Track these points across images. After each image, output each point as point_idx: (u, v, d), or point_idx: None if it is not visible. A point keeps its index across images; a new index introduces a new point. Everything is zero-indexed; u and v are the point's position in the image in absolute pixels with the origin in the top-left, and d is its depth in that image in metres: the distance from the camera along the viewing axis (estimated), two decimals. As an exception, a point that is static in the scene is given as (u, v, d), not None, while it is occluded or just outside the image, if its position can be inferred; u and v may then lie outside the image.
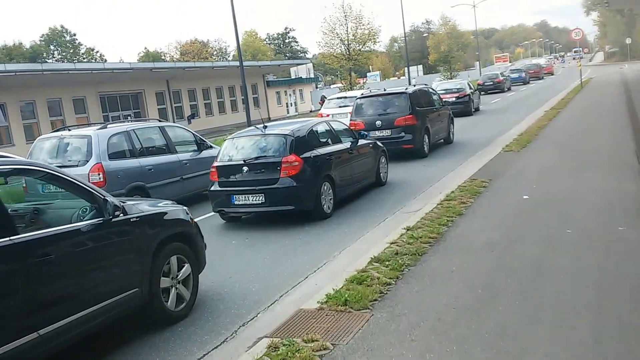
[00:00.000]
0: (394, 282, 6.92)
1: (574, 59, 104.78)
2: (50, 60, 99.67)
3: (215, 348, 6.08)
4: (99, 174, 11.99)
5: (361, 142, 13.63)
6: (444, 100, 23.44)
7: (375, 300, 6.41)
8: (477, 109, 34.00)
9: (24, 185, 11.06)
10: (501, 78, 51.91)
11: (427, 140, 18.55)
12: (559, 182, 11.84)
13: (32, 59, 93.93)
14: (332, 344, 5.47)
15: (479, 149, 18.33)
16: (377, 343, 5.43)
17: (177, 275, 6.92)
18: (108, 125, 13.33)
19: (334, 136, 12.89)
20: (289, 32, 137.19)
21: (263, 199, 11.03)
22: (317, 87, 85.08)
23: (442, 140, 20.77)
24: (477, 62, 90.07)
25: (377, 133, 17.71)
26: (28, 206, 6.62)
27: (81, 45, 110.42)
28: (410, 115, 17.86)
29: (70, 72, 39.16)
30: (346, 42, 50.86)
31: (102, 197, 6.08)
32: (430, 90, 21.88)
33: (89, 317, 5.67)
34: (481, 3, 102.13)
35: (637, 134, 16.65)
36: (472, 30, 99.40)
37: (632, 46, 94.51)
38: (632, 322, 5.32)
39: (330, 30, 50.95)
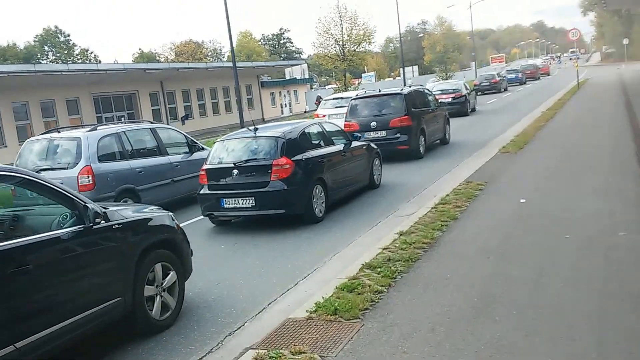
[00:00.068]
0: (385, 290, 6.68)
1: (570, 59, 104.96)
2: (45, 61, 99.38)
3: (200, 359, 5.85)
4: (88, 177, 11.86)
5: (354, 144, 13.44)
6: (440, 100, 23.34)
7: (366, 309, 6.17)
8: (473, 110, 33.98)
9: (12, 189, 10.84)
10: (498, 78, 51.90)
11: (422, 141, 18.40)
12: (557, 185, 11.62)
13: (26, 59, 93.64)
14: (320, 356, 5.24)
15: (475, 150, 18.14)
16: (367, 355, 5.20)
17: (162, 283, 6.70)
18: (98, 127, 13.20)
19: (326, 138, 12.67)
20: (284, 33, 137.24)
21: (253, 202, 10.80)
22: (311, 88, 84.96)
23: (438, 141, 20.62)
24: (473, 63, 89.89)
25: (372, 134, 17.59)
26: (6, 213, 6.37)
27: (75, 46, 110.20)
28: (406, 116, 17.69)
29: (63, 73, 39.00)
30: (341, 42, 50.71)
31: (83, 204, 5.85)
32: (426, 91, 21.75)
33: (69, 328, 5.44)
34: (478, 3, 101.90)
35: (637, 135, 16.44)
36: (468, 31, 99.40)
37: (629, 47, 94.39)
38: (636, 334, 5.08)
39: (325, 31, 50.91)
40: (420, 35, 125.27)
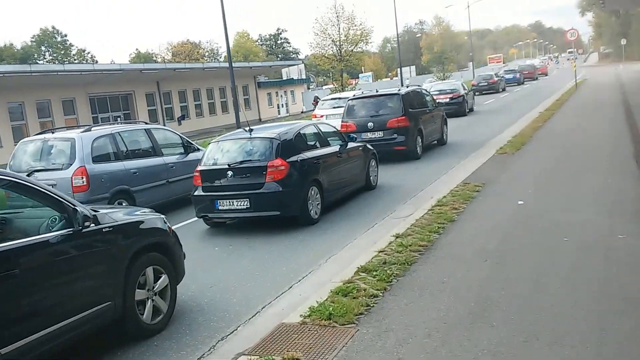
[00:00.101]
0: (381, 294, 6.55)
1: (568, 59, 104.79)
2: (41, 62, 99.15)
3: (191, 365, 5.75)
4: (82, 178, 11.77)
5: (350, 145, 13.32)
6: (438, 101, 23.26)
7: (361, 314, 6.04)
8: (471, 110, 33.93)
9: (6, 190, 10.74)
10: (495, 79, 51.85)
11: (420, 141, 18.31)
12: (555, 186, 11.51)
13: (23, 60, 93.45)
14: (314, 363, 5.12)
15: (473, 151, 18.03)
16: (362, 362, 5.08)
17: (153, 287, 6.58)
18: (92, 128, 13.10)
19: (322, 139, 12.56)
20: (281, 33, 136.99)
21: (248, 204, 10.68)
22: (309, 88, 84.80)
23: (435, 142, 20.52)
24: (471, 63, 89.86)
25: (370, 135, 17.50)
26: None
27: (72, 46, 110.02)
28: (403, 117, 17.60)
29: (59, 73, 38.87)
30: (338, 43, 50.56)
31: (72, 207, 5.73)
32: (424, 91, 21.66)
33: (57, 333, 5.33)
34: (476, 3, 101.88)
35: (635, 136, 16.34)
36: (466, 31, 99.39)
37: (627, 47, 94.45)
38: (637, 340, 4.96)
39: (322, 31, 50.75)
40: (418, 35, 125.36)
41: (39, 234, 5.54)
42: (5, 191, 11.24)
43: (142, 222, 6.84)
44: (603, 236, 7.91)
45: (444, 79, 67.35)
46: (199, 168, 11.39)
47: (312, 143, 12.20)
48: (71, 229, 5.65)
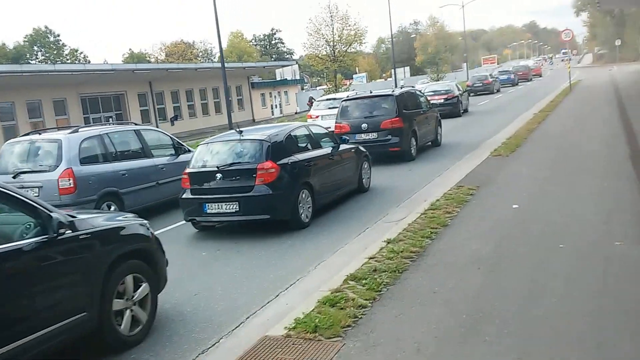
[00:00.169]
0: (370, 305, 6.27)
1: (562, 60, 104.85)
2: (34, 62, 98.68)
3: (169, 380, 5.49)
4: (69, 180, 11.56)
5: (342, 147, 13.06)
6: (432, 101, 23.08)
7: (349, 326, 5.77)
8: (465, 111, 33.75)
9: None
10: (490, 80, 51.68)
11: (414, 143, 18.11)
12: (550, 190, 11.26)
13: (16, 59, 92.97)
14: (297, 380, 4.87)
15: (467, 153, 17.78)
16: (348, 379, 4.83)
17: (132, 296, 6.30)
18: (80, 129, 12.85)
19: (313, 141, 12.30)
20: (275, 34, 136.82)
21: (237, 207, 10.41)
22: (302, 89, 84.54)
23: (429, 143, 20.34)
24: (465, 64, 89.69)
25: (363, 136, 17.34)
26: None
27: (65, 46, 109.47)
28: (397, 118, 17.40)
29: (50, 73, 38.60)
30: (332, 43, 50.27)
31: (47, 212, 5.47)
32: (418, 92, 21.47)
33: (26, 347, 5.06)
34: (471, 3, 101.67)
35: (631, 138, 16.12)
36: (461, 32, 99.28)
37: (621, 48, 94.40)
38: (636, 356, 4.72)
39: (315, 31, 50.41)
40: (412, 36, 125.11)
41: (12, 241, 5.26)
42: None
43: (122, 228, 6.58)
44: (600, 242, 7.65)
45: (438, 80, 67.17)
46: (188, 170, 11.12)
47: (304, 145, 11.95)
48: (46, 236, 5.39)
